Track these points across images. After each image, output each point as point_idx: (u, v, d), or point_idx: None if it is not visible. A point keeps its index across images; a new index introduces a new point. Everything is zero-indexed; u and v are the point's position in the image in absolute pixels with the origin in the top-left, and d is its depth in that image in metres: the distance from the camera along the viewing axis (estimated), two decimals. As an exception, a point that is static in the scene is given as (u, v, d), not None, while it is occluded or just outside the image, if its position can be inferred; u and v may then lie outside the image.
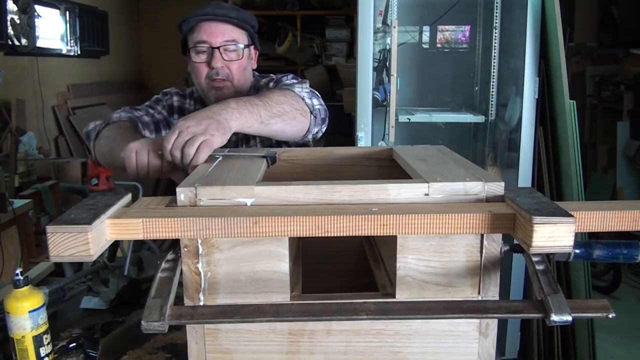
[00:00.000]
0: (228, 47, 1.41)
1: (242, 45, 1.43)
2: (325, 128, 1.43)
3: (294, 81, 1.44)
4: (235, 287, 0.81)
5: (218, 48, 1.39)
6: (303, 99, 1.33)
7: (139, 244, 2.49)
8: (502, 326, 2.53)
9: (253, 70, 1.55)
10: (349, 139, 3.87)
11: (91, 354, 1.14)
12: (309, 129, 1.34)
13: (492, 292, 0.82)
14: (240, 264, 0.80)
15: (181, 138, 1.01)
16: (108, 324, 1.27)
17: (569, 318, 0.70)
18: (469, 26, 2.97)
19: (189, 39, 1.44)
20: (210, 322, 0.76)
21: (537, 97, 2.43)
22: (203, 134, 1.01)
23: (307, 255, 1.08)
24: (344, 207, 0.78)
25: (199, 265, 0.80)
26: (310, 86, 1.43)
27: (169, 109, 1.55)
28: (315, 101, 1.37)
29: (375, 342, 0.83)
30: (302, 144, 1.42)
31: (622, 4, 4.61)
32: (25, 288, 1.02)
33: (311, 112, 1.33)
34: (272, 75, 1.55)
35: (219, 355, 0.83)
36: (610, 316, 0.72)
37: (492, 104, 2.72)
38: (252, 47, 1.50)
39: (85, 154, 4.32)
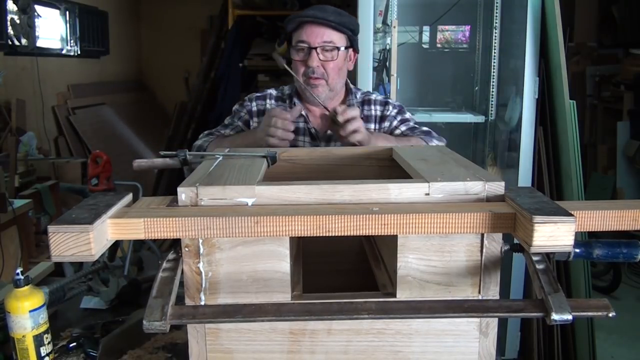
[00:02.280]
0: (325, 47, 1.52)
1: (338, 47, 1.54)
2: None
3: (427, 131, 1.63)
4: (236, 287, 0.81)
5: (315, 48, 1.51)
6: None
7: (139, 244, 2.48)
8: (502, 326, 2.54)
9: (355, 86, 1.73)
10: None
11: (91, 353, 1.14)
12: None
13: (492, 292, 0.82)
14: (241, 264, 0.80)
15: (352, 125, 1.39)
16: (108, 323, 1.27)
17: (570, 317, 0.70)
18: (469, 26, 2.97)
19: (292, 38, 1.56)
20: (212, 321, 0.76)
21: (537, 97, 2.43)
22: (360, 126, 1.41)
23: (308, 255, 1.08)
24: (345, 206, 0.78)
25: (200, 265, 0.80)
26: None
27: (249, 114, 1.66)
28: None
29: (376, 342, 0.83)
30: None
31: (622, 4, 4.61)
32: (25, 288, 1.02)
33: None
34: (399, 105, 1.69)
35: (220, 355, 0.83)
36: (610, 315, 0.72)
37: (492, 104, 2.72)
38: (350, 50, 1.60)
39: (85, 154, 4.32)
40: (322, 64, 1.52)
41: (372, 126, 1.63)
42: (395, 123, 1.64)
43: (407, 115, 1.67)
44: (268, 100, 1.67)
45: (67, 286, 1.30)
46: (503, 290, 0.91)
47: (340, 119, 1.40)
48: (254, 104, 1.66)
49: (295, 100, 1.63)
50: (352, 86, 1.69)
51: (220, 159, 1.02)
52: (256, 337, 0.83)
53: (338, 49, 1.54)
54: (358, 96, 1.67)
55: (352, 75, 2.71)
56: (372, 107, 1.65)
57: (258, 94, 1.68)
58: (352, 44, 1.60)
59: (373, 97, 1.68)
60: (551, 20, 2.30)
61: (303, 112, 1.60)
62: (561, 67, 2.27)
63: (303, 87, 1.56)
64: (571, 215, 0.70)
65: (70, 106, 4.58)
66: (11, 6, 3.82)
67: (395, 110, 1.65)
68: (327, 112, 1.50)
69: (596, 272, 3.56)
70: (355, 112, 1.42)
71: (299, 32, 1.53)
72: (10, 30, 3.80)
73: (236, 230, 0.73)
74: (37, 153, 3.78)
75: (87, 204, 0.76)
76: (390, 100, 1.69)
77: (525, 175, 2.48)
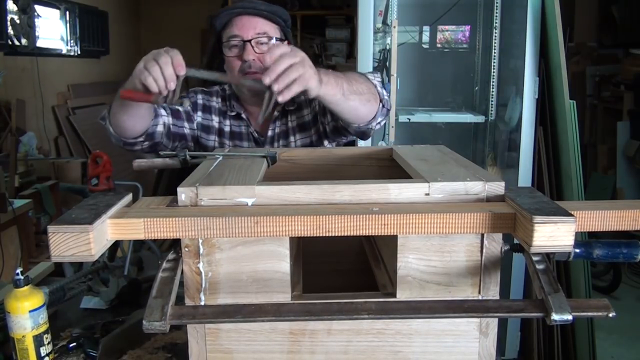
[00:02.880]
0: (260, 39, 1.42)
1: (274, 38, 1.45)
2: (384, 121, 1.42)
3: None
4: (236, 287, 0.81)
5: (249, 41, 1.41)
6: (375, 86, 1.35)
7: (139, 244, 2.48)
8: (502, 326, 2.54)
9: None
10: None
11: (91, 353, 1.14)
12: (375, 115, 1.34)
13: (492, 292, 0.82)
14: (241, 264, 0.80)
15: (279, 65, 1.00)
16: (108, 323, 1.27)
17: (570, 317, 0.70)
18: (469, 26, 2.97)
19: (222, 36, 1.47)
20: (212, 321, 0.76)
21: (537, 97, 2.43)
22: (301, 66, 1.02)
23: (308, 255, 1.08)
24: (345, 207, 0.78)
25: (200, 265, 0.80)
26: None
27: (193, 106, 1.54)
28: (384, 91, 1.38)
29: (376, 342, 0.83)
30: (364, 132, 1.40)
31: (622, 4, 4.61)
32: (25, 288, 1.02)
33: (380, 100, 1.35)
34: None
35: (219, 355, 0.83)
36: (610, 315, 0.72)
37: (492, 104, 2.72)
38: (285, 42, 1.50)
39: (85, 154, 4.32)
40: (258, 57, 1.40)
41: (309, 108, 1.52)
42: None
43: None
44: (214, 98, 1.56)
45: (67, 286, 1.30)
46: (503, 290, 0.91)
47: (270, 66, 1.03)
48: (199, 96, 1.55)
49: (234, 102, 1.52)
50: None
51: (220, 159, 1.02)
52: (256, 337, 0.83)
53: (274, 40, 1.44)
54: None
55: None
56: None
57: (205, 89, 1.57)
58: (287, 36, 1.51)
59: None
60: (551, 20, 2.30)
61: (243, 115, 1.51)
62: (561, 67, 2.27)
63: (240, 82, 1.38)
64: (571, 215, 0.70)
65: (70, 106, 4.58)
66: (11, 6, 3.82)
67: None
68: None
69: (596, 272, 3.56)
70: (284, 49, 1.05)
71: (230, 28, 1.44)
72: (10, 30, 3.81)
73: (236, 231, 0.73)
74: (37, 153, 3.78)
75: (87, 204, 0.76)
76: None
77: (525, 175, 2.48)
